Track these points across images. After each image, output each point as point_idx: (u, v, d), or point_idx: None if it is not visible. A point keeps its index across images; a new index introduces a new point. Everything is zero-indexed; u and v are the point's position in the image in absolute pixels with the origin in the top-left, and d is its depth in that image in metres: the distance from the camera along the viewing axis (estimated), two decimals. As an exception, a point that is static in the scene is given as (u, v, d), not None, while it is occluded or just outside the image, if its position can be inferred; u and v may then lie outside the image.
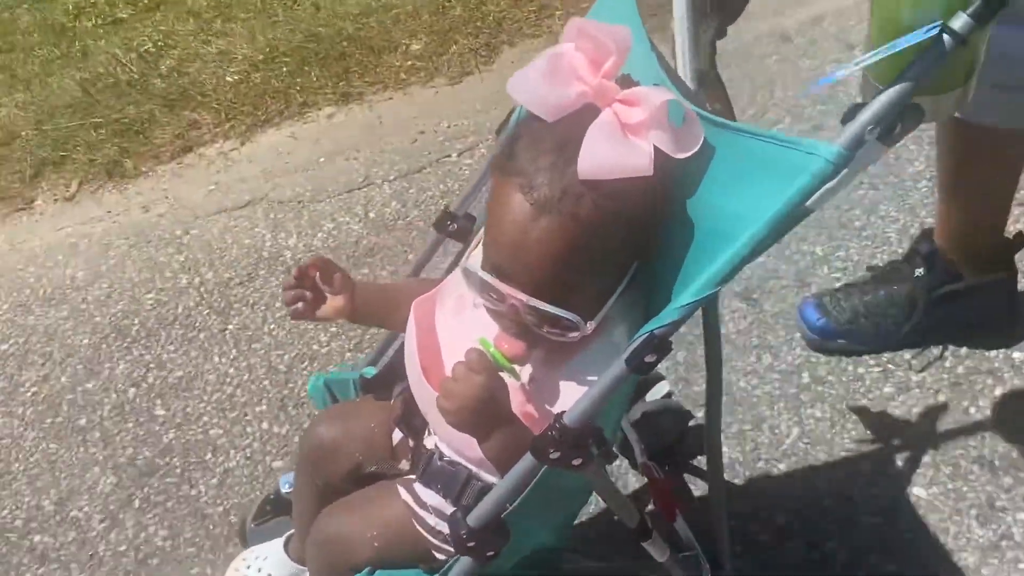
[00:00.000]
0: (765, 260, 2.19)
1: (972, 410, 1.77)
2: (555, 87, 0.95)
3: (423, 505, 1.19)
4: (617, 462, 1.66)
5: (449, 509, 1.12)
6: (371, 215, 2.63)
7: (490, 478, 1.12)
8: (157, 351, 2.28)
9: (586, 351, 1.05)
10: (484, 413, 0.99)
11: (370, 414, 1.34)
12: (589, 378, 1.02)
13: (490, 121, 2.81)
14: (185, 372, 2.20)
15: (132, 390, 2.18)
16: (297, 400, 2.07)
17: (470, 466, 1.14)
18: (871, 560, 1.58)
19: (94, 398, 2.18)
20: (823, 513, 1.66)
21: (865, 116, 0.84)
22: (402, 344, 1.28)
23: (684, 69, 1.10)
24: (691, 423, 1.71)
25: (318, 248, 2.54)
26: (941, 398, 1.80)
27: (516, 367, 1.03)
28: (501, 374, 1.01)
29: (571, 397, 0.98)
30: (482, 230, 1.08)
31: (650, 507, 1.51)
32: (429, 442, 1.22)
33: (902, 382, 1.84)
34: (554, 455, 0.93)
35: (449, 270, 1.36)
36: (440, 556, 1.20)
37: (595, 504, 1.64)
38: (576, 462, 0.94)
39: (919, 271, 1.86)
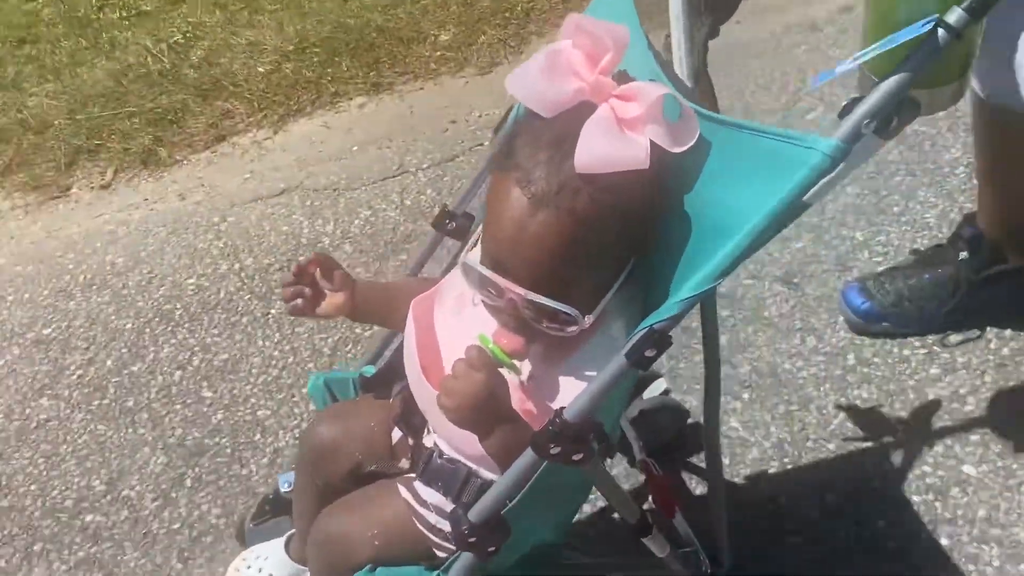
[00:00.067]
0: (805, 245, 2.21)
1: (1018, 389, 1.78)
2: (553, 83, 0.95)
3: (423, 503, 1.19)
4: (615, 459, 1.67)
5: (449, 507, 1.12)
6: (407, 202, 2.65)
7: (490, 475, 1.12)
8: (201, 335, 2.30)
9: (585, 346, 1.06)
10: (485, 410, 0.99)
11: (370, 413, 1.34)
12: (588, 373, 1.03)
13: (523, 110, 2.83)
14: (230, 355, 2.22)
15: (178, 372, 2.21)
16: (343, 382, 2.09)
17: (470, 463, 1.14)
18: (922, 538, 1.60)
19: (140, 380, 2.20)
20: (872, 493, 1.68)
21: (862, 110, 0.84)
22: (401, 343, 1.29)
23: (680, 66, 1.12)
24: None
25: (355, 235, 2.56)
26: (987, 379, 1.81)
27: (516, 363, 1.03)
28: (501, 370, 1.01)
29: (571, 393, 0.98)
30: (480, 227, 1.09)
31: (648, 504, 1.52)
32: (428, 440, 1.22)
33: (948, 363, 1.86)
34: (555, 450, 0.93)
35: (448, 269, 1.35)
36: (441, 554, 1.20)
37: (595, 502, 1.65)
38: (577, 457, 0.95)
39: (963, 254, 1.88)
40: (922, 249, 2.03)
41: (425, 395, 1.12)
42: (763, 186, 0.87)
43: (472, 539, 1.01)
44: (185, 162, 2.99)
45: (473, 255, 1.07)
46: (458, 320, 1.15)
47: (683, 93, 1.01)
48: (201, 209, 2.78)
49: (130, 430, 2.08)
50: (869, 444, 1.76)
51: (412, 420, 1.25)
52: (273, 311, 2.33)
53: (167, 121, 3.11)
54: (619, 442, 1.59)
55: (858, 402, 1.83)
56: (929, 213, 2.22)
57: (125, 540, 1.85)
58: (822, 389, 1.87)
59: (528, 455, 0.96)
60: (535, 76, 0.96)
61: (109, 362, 2.28)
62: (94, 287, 2.54)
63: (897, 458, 1.73)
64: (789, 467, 1.75)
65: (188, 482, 1.93)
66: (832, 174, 0.85)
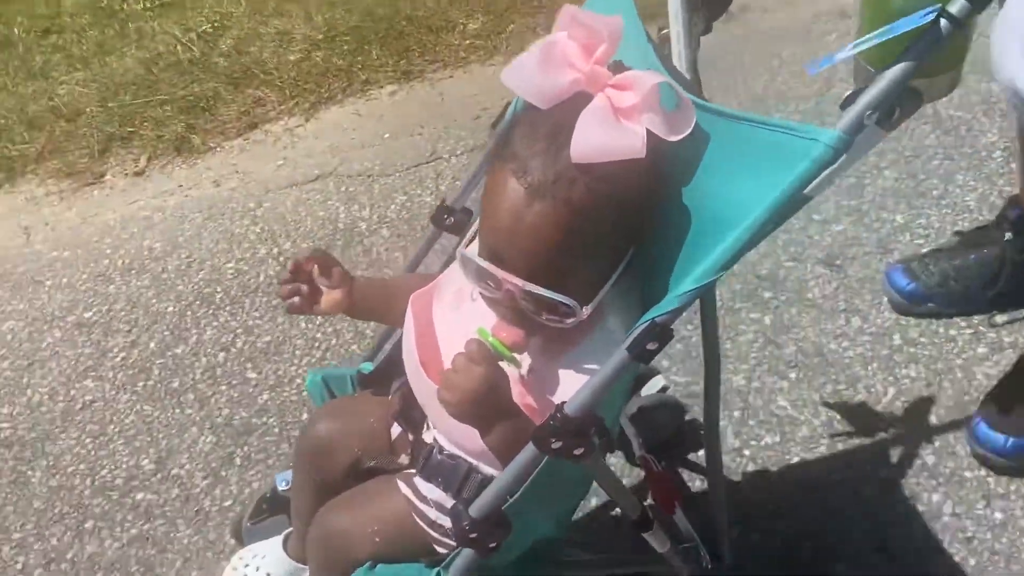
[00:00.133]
0: (845, 228, 2.22)
1: (1066, 368, 1.79)
2: (548, 75, 0.95)
3: (423, 499, 1.19)
4: (615, 456, 1.67)
5: (450, 502, 1.12)
6: (442, 188, 2.66)
7: (490, 470, 1.12)
8: (243, 318, 2.31)
9: (585, 340, 1.05)
10: (485, 404, 0.99)
11: (369, 409, 1.33)
12: (588, 367, 1.03)
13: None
14: (273, 337, 2.24)
15: (222, 354, 2.22)
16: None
17: (470, 459, 1.14)
18: (977, 511, 1.61)
19: (184, 362, 2.22)
20: (925, 467, 1.69)
21: (864, 100, 0.83)
22: (399, 340, 1.28)
23: (679, 60, 1.12)
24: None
25: (392, 220, 2.57)
26: (1034, 357, 1.82)
27: (516, 356, 1.03)
28: (501, 364, 1.01)
29: (571, 387, 0.97)
30: (478, 220, 1.08)
31: (648, 501, 1.50)
32: (428, 436, 1.22)
33: (994, 343, 1.87)
34: (556, 445, 0.93)
35: (446, 264, 1.34)
36: (441, 550, 1.19)
37: (595, 498, 1.66)
38: (578, 452, 0.94)
39: (1008, 235, 1.89)
40: (965, 231, 2.04)
41: (424, 390, 1.12)
42: (764, 178, 0.87)
43: (473, 535, 1.01)
44: (218, 149, 3.00)
45: (471, 248, 1.07)
46: (457, 315, 1.15)
47: (682, 85, 1.01)
48: (236, 195, 2.80)
49: (177, 410, 2.10)
50: (919, 422, 1.77)
51: (412, 416, 1.24)
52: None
53: (199, 109, 3.12)
54: (618, 439, 1.59)
55: (906, 381, 1.84)
56: (969, 196, 2.23)
57: (177, 517, 1.86)
58: (869, 368, 1.88)
59: (529, 450, 0.95)
60: (531, 68, 0.95)
61: (152, 344, 2.29)
62: (133, 271, 2.55)
63: (949, 435, 1.74)
64: (840, 445, 1.76)
65: (238, 460, 1.95)
66: (834, 166, 0.84)
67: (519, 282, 0.98)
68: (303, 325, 2.26)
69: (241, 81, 3.21)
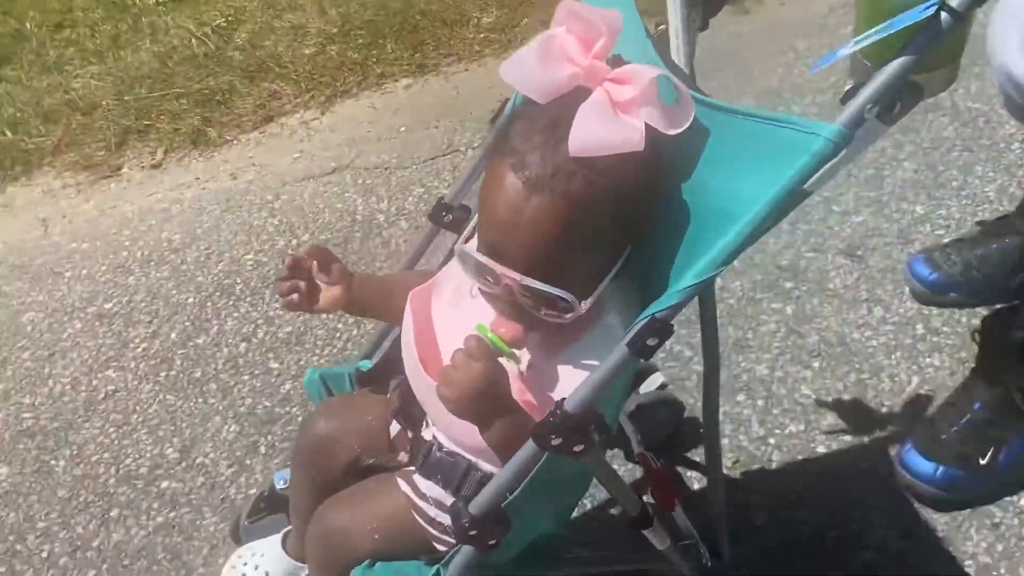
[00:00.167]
0: (865, 219, 2.23)
1: (1090, 357, 1.80)
2: (547, 69, 0.95)
3: (423, 496, 1.19)
4: (613, 453, 1.67)
5: (449, 500, 1.12)
6: (460, 180, 2.66)
7: (490, 468, 1.12)
8: (263, 308, 2.32)
9: (584, 336, 1.05)
10: (485, 400, 0.98)
11: (367, 407, 1.33)
12: (587, 362, 1.03)
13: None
14: (294, 328, 2.24)
15: (243, 344, 2.23)
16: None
17: (469, 456, 1.14)
18: (1004, 497, 1.61)
19: (206, 352, 2.22)
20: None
21: (865, 94, 0.83)
22: (397, 337, 1.29)
23: (678, 55, 1.12)
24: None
25: (411, 212, 2.58)
26: (1058, 346, 1.83)
27: (515, 351, 1.02)
28: (501, 360, 1.01)
29: (571, 383, 0.97)
30: (476, 216, 1.09)
31: (647, 498, 1.49)
32: (427, 433, 1.21)
33: (1017, 332, 1.87)
34: (556, 441, 0.93)
35: (445, 261, 1.34)
36: (441, 547, 1.19)
37: (594, 496, 1.66)
38: (578, 448, 0.94)
39: (1029, 225, 1.89)
40: (986, 221, 2.04)
41: (423, 387, 1.12)
42: (764, 173, 0.86)
43: (472, 532, 1.01)
44: (235, 142, 3.01)
45: (470, 244, 1.06)
46: (456, 312, 1.15)
47: (681, 79, 1.01)
48: (253, 188, 2.80)
49: (200, 400, 2.10)
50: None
51: (411, 413, 1.24)
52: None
53: (215, 102, 3.13)
54: (617, 436, 1.59)
55: (930, 370, 1.84)
56: (988, 187, 2.24)
57: (203, 505, 1.87)
58: (893, 358, 1.88)
59: (529, 447, 0.95)
60: (530, 63, 0.95)
61: (173, 335, 2.30)
62: (152, 263, 2.56)
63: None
64: (864, 435, 1.76)
65: (262, 449, 1.95)
66: (834, 160, 0.83)
67: (517, 277, 0.98)
68: (323, 316, 2.26)
69: (256, 75, 3.22)
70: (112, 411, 2.12)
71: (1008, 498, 1.62)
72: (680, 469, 1.74)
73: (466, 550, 1.05)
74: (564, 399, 0.93)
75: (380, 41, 3.29)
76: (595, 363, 0.95)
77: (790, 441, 1.77)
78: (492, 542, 1.02)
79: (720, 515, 1.40)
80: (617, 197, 0.97)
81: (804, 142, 0.84)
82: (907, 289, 2.01)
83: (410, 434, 1.25)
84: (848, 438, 1.76)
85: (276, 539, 1.48)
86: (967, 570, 1.54)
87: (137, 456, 2.01)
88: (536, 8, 3.36)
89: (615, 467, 1.65)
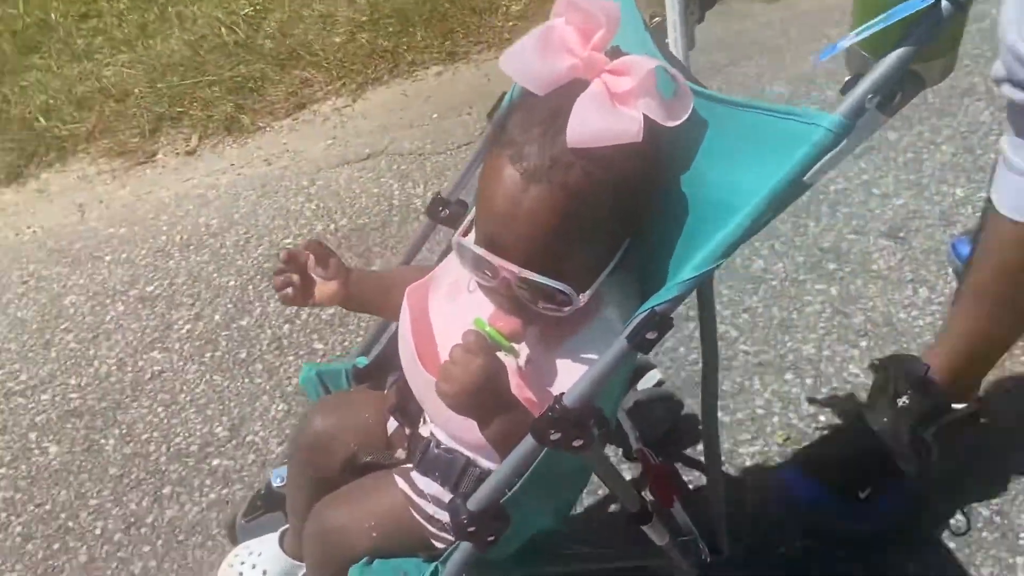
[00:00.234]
0: (906, 201, 2.24)
1: None
2: (546, 61, 0.94)
3: (421, 493, 1.18)
4: (612, 450, 1.66)
5: (447, 497, 1.11)
6: (495, 166, 2.68)
7: (488, 464, 1.11)
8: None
9: (583, 330, 1.04)
10: (484, 395, 0.97)
11: (364, 404, 1.32)
12: (586, 356, 1.02)
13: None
14: (337, 310, 2.25)
15: (287, 326, 2.24)
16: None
17: (468, 452, 1.13)
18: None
19: (250, 334, 2.24)
20: (1006, 432, 1.70)
21: (866, 84, 0.82)
22: (393, 334, 1.27)
23: (675, 47, 1.12)
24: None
25: (447, 196, 2.59)
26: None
27: (513, 346, 1.01)
28: (499, 354, 1.00)
29: (570, 377, 0.96)
30: (473, 210, 1.07)
31: (646, 494, 1.47)
32: (425, 430, 1.20)
33: (1064, 311, 1.88)
34: (555, 436, 0.92)
35: (442, 257, 1.33)
36: (439, 544, 1.18)
37: (593, 492, 1.65)
38: (577, 443, 0.93)
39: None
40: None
41: (421, 382, 1.11)
42: (764, 164, 0.85)
43: (471, 529, 0.99)
44: (268, 129, 3.03)
45: (467, 237, 1.05)
46: (453, 307, 1.14)
47: (679, 70, 1.00)
48: (288, 173, 2.82)
49: (247, 380, 2.12)
50: (992, 390, 1.78)
51: (408, 409, 1.23)
52: (375, 268, 2.36)
53: (247, 89, 3.15)
54: (615, 432, 1.58)
55: (978, 348, 1.85)
56: (1028, 170, 2.25)
57: (255, 482, 1.88)
58: (940, 337, 1.89)
59: (528, 442, 0.94)
60: (529, 54, 0.94)
61: (217, 317, 2.31)
62: (191, 247, 2.58)
63: None
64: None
65: (312, 428, 1.97)
66: (835, 151, 0.82)
67: (515, 269, 0.97)
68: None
69: (287, 63, 3.24)
70: (159, 391, 2.14)
71: None
72: (679, 466, 1.71)
73: (464, 547, 1.04)
74: (563, 394, 0.92)
75: (410, 29, 3.30)
76: (594, 357, 0.95)
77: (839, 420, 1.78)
78: (491, 538, 1.01)
79: (719, 511, 1.38)
80: (615, 188, 0.96)
81: (804, 133, 0.83)
82: (951, 270, 2.02)
83: (407, 431, 1.24)
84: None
85: (273, 537, 1.46)
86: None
87: (187, 435, 2.02)
88: (565, -4, 3.37)
89: (614, 463, 1.64)
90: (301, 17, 3.47)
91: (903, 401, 1.53)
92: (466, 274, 1.06)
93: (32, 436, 2.09)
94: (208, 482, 1.91)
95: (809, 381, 1.86)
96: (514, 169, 0.94)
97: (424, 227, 1.40)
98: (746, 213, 0.85)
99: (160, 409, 2.09)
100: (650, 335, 0.89)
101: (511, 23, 3.31)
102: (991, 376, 1.65)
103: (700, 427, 1.35)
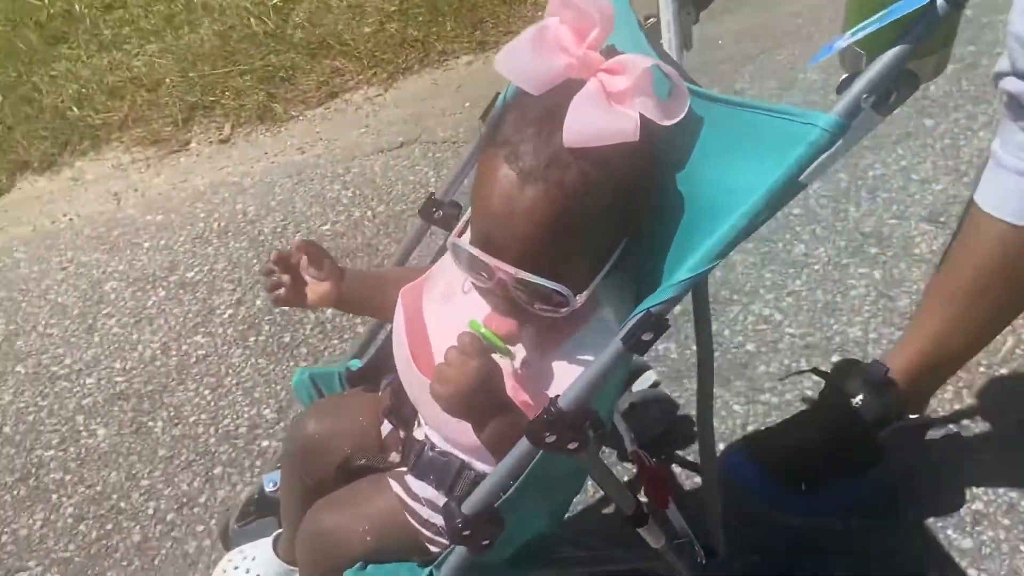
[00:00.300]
0: (946, 186, 2.25)
1: None
2: (540, 60, 0.93)
3: (415, 497, 1.17)
4: (607, 451, 1.66)
5: (442, 500, 1.10)
6: (530, 154, 2.69)
7: (483, 467, 1.11)
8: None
9: (579, 331, 1.04)
10: (479, 398, 0.96)
11: (358, 407, 1.31)
12: (583, 358, 1.01)
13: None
14: (379, 294, 2.27)
15: (330, 310, 2.25)
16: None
17: (462, 456, 1.12)
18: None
19: (293, 318, 2.25)
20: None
21: (861, 84, 0.81)
22: (387, 336, 1.27)
23: (669, 47, 1.12)
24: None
25: (484, 184, 2.61)
26: None
27: (509, 347, 1.01)
28: (495, 356, 0.99)
29: (565, 379, 0.96)
30: (468, 211, 1.07)
31: (641, 496, 1.47)
32: (419, 433, 1.20)
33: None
34: (550, 439, 0.91)
35: (436, 257, 1.32)
36: (434, 548, 1.17)
37: (588, 495, 1.65)
38: (572, 446, 0.93)
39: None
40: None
41: (415, 384, 1.11)
42: (760, 164, 0.85)
43: (466, 532, 0.99)
44: (300, 118, 3.04)
45: (463, 238, 1.05)
46: (448, 308, 1.13)
47: (674, 69, 1.00)
48: (322, 161, 2.83)
49: (291, 363, 2.13)
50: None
51: (402, 412, 1.22)
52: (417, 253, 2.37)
53: (279, 79, 3.16)
54: (610, 434, 1.54)
55: (1024, 331, 1.87)
56: (1067, 156, 2.26)
57: (306, 463, 1.90)
58: (986, 319, 1.90)
59: (523, 444, 0.94)
60: (523, 54, 0.94)
61: (259, 302, 2.33)
62: (229, 233, 2.59)
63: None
64: (964, 390, 1.79)
65: (361, 409, 1.98)
66: (831, 151, 0.82)
67: (511, 270, 0.96)
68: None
69: (318, 52, 3.25)
70: (205, 374, 2.16)
71: None
72: (674, 467, 1.72)
73: (459, 551, 1.04)
74: (558, 396, 0.92)
75: (439, 19, 3.32)
76: (590, 358, 0.95)
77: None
78: (486, 542, 1.00)
79: (715, 513, 1.37)
80: (612, 188, 0.95)
81: (800, 132, 0.83)
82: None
83: (402, 434, 1.23)
84: (948, 395, 1.78)
85: (267, 542, 1.46)
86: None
87: (235, 417, 2.04)
88: (593, -13, 3.38)
89: (609, 465, 1.62)
90: (329, 7, 3.48)
91: (857, 401, 1.53)
92: (461, 275, 1.06)
93: (80, 419, 2.11)
94: (258, 463, 1.92)
95: (857, 363, 1.87)
96: (510, 169, 0.94)
97: (417, 228, 1.39)
98: (742, 213, 0.85)
99: (207, 392, 2.11)
100: (646, 336, 0.89)
101: (540, 13, 3.28)
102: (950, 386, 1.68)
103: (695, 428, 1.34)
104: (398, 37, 3.26)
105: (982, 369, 1.79)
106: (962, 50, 2.67)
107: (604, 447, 1.55)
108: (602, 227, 0.99)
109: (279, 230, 2.57)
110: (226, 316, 2.31)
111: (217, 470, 1.93)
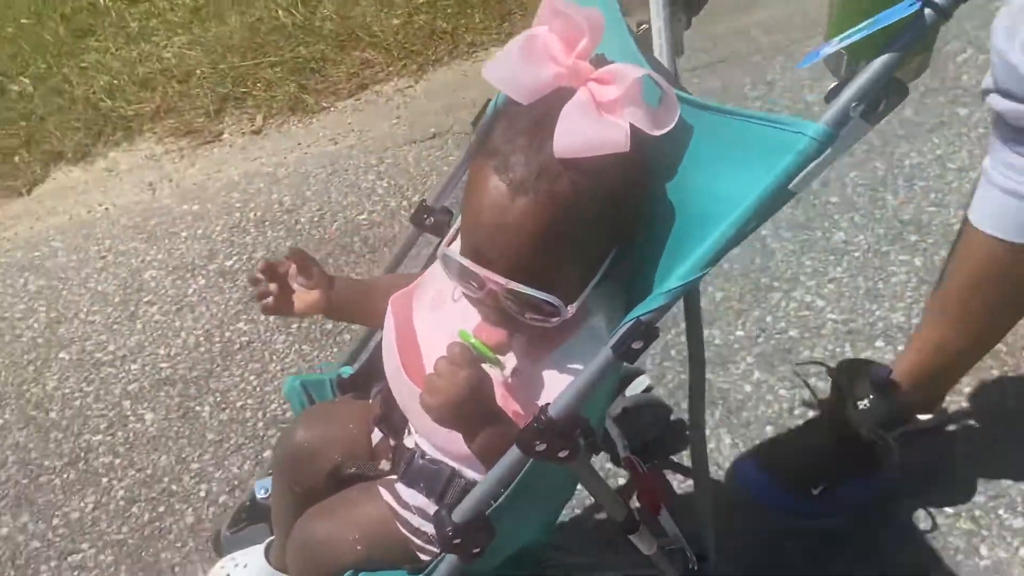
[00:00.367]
0: (983, 176, 2.26)
1: None
2: (530, 69, 0.92)
3: (405, 506, 1.16)
4: (600, 457, 1.66)
5: (432, 508, 1.10)
6: (563, 144, 2.71)
7: (473, 475, 1.10)
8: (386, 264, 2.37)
9: (569, 340, 1.03)
10: (468, 408, 0.96)
11: (349, 414, 1.30)
12: (573, 367, 1.01)
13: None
14: (420, 282, 2.29)
15: (371, 298, 2.27)
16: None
17: (453, 463, 1.12)
18: None
19: (336, 305, 2.27)
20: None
21: (849, 93, 0.81)
22: (378, 343, 1.27)
23: (660, 54, 1.11)
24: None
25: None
26: None
27: (499, 357, 1.01)
28: (484, 366, 0.99)
29: (555, 387, 0.96)
30: (459, 219, 1.05)
31: (633, 502, 1.47)
32: (410, 441, 1.19)
33: None
34: (540, 447, 0.91)
35: (426, 264, 1.31)
36: (424, 557, 1.17)
37: (579, 502, 1.65)
38: (563, 454, 0.93)
39: None
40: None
41: (405, 392, 1.10)
42: (749, 173, 0.85)
43: (456, 541, 0.99)
44: (332, 109, 3.06)
45: (453, 247, 1.04)
46: (437, 316, 1.13)
47: (665, 78, 0.99)
48: (355, 152, 2.85)
49: (335, 349, 2.15)
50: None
51: (392, 420, 1.22)
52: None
53: (309, 70, 3.18)
54: (602, 439, 1.57)
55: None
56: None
57: (355, 447, 1.92)
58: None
59: (513, 453, 0.94)
60: (513, 63, 0.92)
61: (300, 289, 2.35)
62: (266, 223, 2.61)
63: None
64: (1009, 375, 1.81)
65: (408, 394, 2.00)
66: (819, 159, 0.82)
67: (502, 281, 0.96)
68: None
69: (347, 44, 3.27)
70: (249, 360, 2.18)
71: None
72: (667, 472, 1.72)
73: (450, 559, 1.04)
74: (548, 404, 0.92)
75: (468, 11, 3.33)
76: (580, 367, 0.95)
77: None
78: (476, 550, 1.00)
79: (707, 519, 1.37)
80: (603, 198, 0.95)
81: (789, 141, 0.83)
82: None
83: (392, 442, 1.22)
84: (994, 373, 1.80)
85: (259, 549, 1.46)
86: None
87: (281, 401, 2.05)
88: (620, -21, 3.40)
89: (601, 471, 1.64)
90: (357, 0, 3.50)
91: (864, 404, 1.55)
92: (451, 282, 1.05)
93: (126, 404, 2.13)
94: (306, 447, 1.94)
95: (901, 348, 1.88)
96: (500, 180, 0.93)
97: (409, 235, 1.39)
98: (731, 222, 0.85)
99: (252, 377, 2.13)
100: (636, 345, 0.89)
101: (567, 5, 3.33)
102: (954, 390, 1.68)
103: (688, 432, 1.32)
104: (427, 29, 3.28)
105: (995, 371, 1.81)
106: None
107: (596, 453, 1.54)
108: (593, 237, 0.99)
109: (316, 220, 2.59)
110: (268, 303, 2.32)
111: (267, 454, 1.94)
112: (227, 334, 2.26)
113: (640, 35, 1.12)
